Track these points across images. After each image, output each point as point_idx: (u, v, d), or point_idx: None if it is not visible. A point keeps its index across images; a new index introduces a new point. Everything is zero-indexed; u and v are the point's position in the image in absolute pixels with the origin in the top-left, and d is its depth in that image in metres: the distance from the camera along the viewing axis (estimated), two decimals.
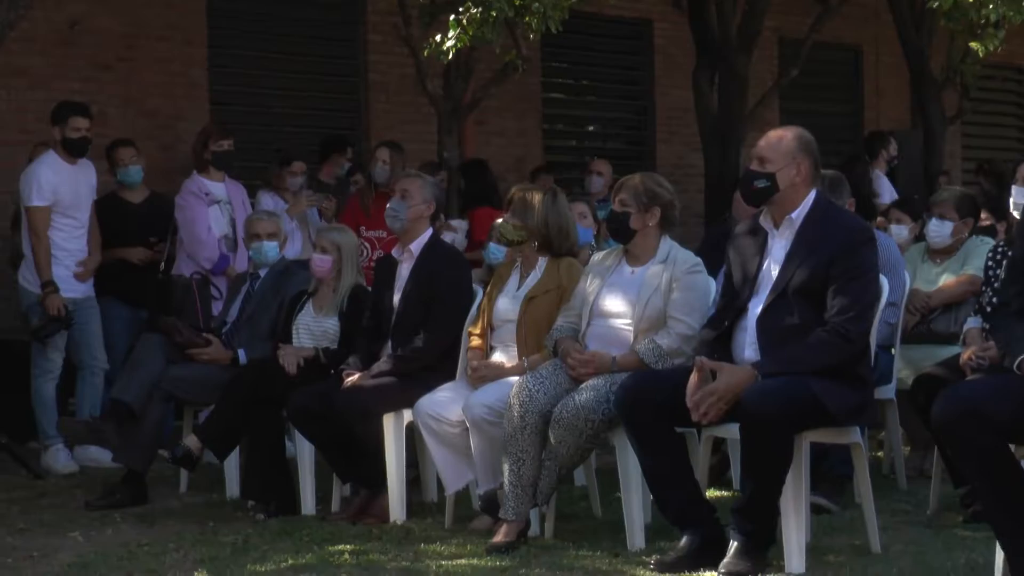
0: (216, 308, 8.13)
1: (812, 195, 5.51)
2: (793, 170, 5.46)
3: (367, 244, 8.97)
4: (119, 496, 7.06)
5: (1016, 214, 6.43)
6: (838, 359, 5.28)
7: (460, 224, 9.55)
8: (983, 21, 10.36)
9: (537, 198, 6.39)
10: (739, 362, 5.43)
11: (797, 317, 5.34)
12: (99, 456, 8.17)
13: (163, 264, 8.76)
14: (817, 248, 5.37)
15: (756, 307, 5.45)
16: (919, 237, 7.84)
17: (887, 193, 11.75)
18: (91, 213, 8.39)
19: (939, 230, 7.38)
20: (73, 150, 8.22)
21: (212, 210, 8.68)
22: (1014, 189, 6.44)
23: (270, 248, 7.60)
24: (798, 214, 5.47)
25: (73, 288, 8.22)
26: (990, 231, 7.72)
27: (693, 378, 5.31)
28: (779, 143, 5.51)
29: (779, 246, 5.48)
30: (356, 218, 9.15)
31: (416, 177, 7.00)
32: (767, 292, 5.44)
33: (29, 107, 9.53)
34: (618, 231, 6.10)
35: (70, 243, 8.21)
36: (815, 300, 5.34)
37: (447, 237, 8.61)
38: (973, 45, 10.79)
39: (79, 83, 9.93)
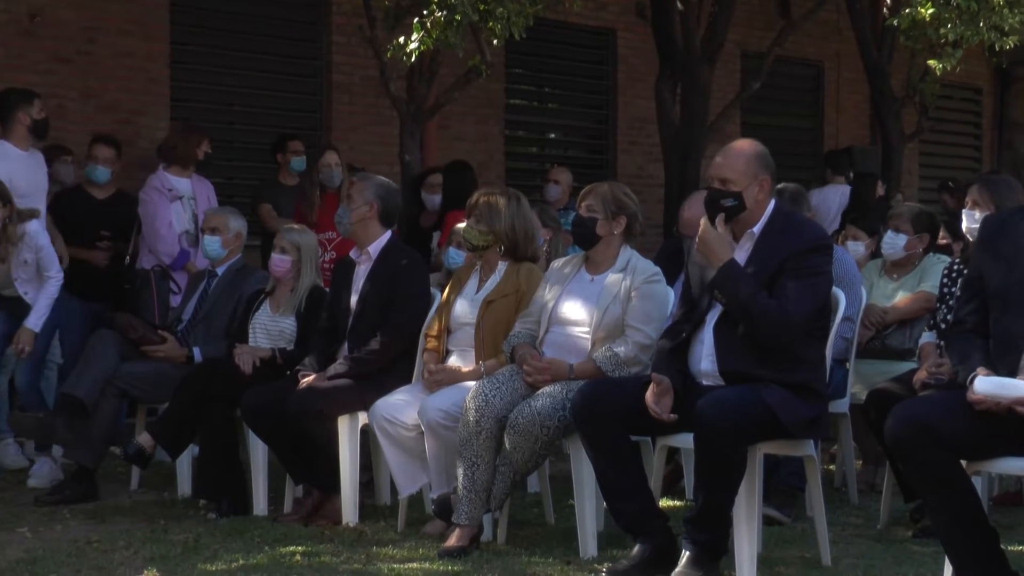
0: (175, 302, 8.10)
1: (771, 206, 5.54)
2: (756, 187, 5.47)
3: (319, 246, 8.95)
4: (69, 492, 7.03)
5: (970, 236, 6.48)
6: (768, 326, 5.23)
7: None
8: (942, 41, 10.45)
9: (502, 202, 6.39)
10: (696, 372, 5.46)
11: None
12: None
13: (127, 258, 8.74)
14: (774, 254, 5.39)
15: (714, 318, 5.47)
16: (875, 253, 7.91)
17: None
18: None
19: (893, 242, 7.48)
20: (41, 132, 8.18)
21: (174, 205, 8.68)
22: (964, 213, 6.47)
23: (210, 242, 7.57)
24: (759, 226, 5.49)
25: None
26: (947, 250, 7.77)
27: (650, 391, 5.33)
28: (738, 161, 5.47)
29: (739, 256, 5.49)
30: (303, 221, 9.10)
31: (360, 180, 6.99)
32: None
33: None
34: (582, 236, 6.11)
35: None
36: None
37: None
38: (931, 63, 10.89)
39: (38, 76, 9.84)
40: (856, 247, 7.96)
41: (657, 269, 6.10)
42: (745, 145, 5.59)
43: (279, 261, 7.13)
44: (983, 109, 17.47)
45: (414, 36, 8.68)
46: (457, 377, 6.25)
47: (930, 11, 9.78)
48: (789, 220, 5.54)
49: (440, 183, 9.99)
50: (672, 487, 6.96)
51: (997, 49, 10.54)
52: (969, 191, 6.57)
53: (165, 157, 8.88)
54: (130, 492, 7.35)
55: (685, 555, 5.26)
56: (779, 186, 6.82)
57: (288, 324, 7.08)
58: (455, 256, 7.70)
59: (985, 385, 4.59)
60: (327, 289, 7.08)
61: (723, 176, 5.47)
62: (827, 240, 5.60)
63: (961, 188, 11.09)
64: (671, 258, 7.33)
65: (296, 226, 7.64)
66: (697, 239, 5.42)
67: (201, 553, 5.86)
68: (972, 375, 4.67)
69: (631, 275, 5.99)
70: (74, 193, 8.94)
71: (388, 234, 6.83)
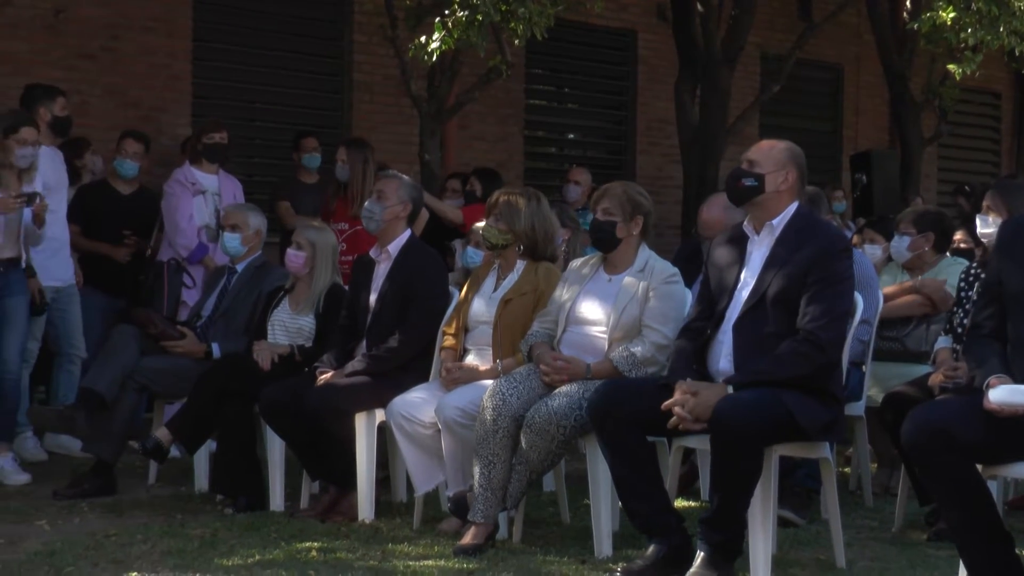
0: (188, 296, 8.14)
1: (794, 206, 5.56)
2: (780, 177, 5.52)
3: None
4: (87, 486, 7.05)
5: (984, 241, 6.49)
6: (809, 368, 5.30)
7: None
8: (962, 45, 10.45)
9: (522, 202, 6.41)
10: (714, 373, 5.47)
11: (773, 326, 5.35)
12: (69, 445, 8.16)
13: (148, 252, 8.80)
14: (795, 256, 5.40)
15: (733, 318, 5.47)
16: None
17: None
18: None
19: (897, 246, 7.55)
20: (61, 130, 8.22)
21: (197, 200, 8.73)
22: (978, 218, 6.46)
23: (229, 239, 7.60)
24: (779, 221, 5.51)
25: (54, 276, 8.16)
26: (968, 254, 7.76)
27: (676, 397, 5.33)
28: (771, 150, 5.60)
29: (758, 254, 5.51)
30: (325, 212, 9.17)
31: (393, 178, 7.01)
32: (743, 301, 5.48)
33: (10, 93, 9.48)
34: (602, 240, 6.10)
35: (52, 228, 8.14)
36: (792, 308, 5.36)
37: (456, 244, 8.70)
38: (951, 67, 10.88)
39: (62, 71, 9.91)
40: (874, 250, 7.98)
41: (675, 270, 6.11)
42: (782, 141, 5.71)
43: (293, 256, 7.17)
44: (1002, 113, 17.45)
45: (435, 36, 8.71)
46: (474, 375, 6.27)
47: (951, 15, 9.77)
48: (810, 221, 5.57)
49: (457, 188, 10.09)
50: (687, 488, 6.96)
51: (1017, 54, 10.53)
52: (986, 196, 6.57)
53: (189, 154, 8.97)
54: (147, 486, 7.38)
55: (700, 556, 5.27)
56: None
57: (307, 322, 7.10)
58: (473, 255, 7.72)
59: (1000, 394, 4.59)
60: (346, 287, 7.11)
61: (751, 158, 5.59)
62: (847, 243, 5.63)
63: (977, 192, 11.08)
64: (689, 259, 7.34)
65: (316, 223, 7.67)
66: (694, 411, 5.27)
67: (218, 548, 5.88)
68: (987, 384, 4.68)
69: (649, 275, 6.01)
70: (99, 187, 9.02)
71: (408, 233, 6.87)
